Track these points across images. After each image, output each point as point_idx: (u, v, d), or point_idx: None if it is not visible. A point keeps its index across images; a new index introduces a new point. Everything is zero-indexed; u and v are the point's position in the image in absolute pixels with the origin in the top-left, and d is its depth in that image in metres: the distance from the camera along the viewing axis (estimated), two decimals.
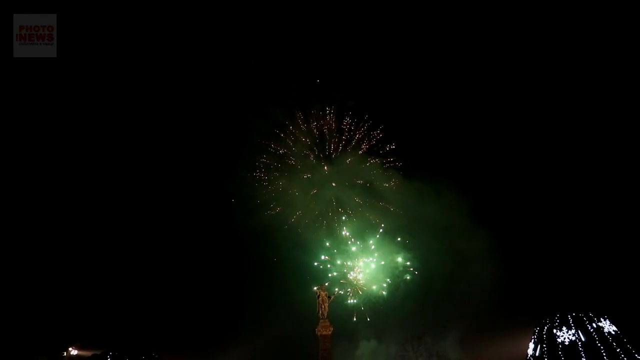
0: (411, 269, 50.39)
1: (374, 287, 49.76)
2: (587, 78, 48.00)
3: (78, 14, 41.59)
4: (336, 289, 47.90)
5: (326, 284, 46.52)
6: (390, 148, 55.46)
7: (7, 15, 34.74)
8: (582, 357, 38.27)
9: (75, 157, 46.98)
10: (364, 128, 55.64)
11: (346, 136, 55.77)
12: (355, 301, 49.59)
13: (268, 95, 54.54)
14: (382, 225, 51.88)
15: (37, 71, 40.91)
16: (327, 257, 50.33)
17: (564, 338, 39.53)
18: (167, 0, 47.46)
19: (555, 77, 50.40)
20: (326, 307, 44.91)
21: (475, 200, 50.74)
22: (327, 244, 51.56)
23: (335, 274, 49.92)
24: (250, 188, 54.29)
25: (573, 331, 39.65)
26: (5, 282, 42.11)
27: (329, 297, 45.60)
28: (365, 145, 55.67)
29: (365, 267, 49.89)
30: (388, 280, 49.98)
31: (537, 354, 40.33)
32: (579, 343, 38.97)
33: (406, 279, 50.40)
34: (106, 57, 46.11)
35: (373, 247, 50.16)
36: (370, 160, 55.56)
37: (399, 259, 50.24)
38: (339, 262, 49.93)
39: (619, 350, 38.29)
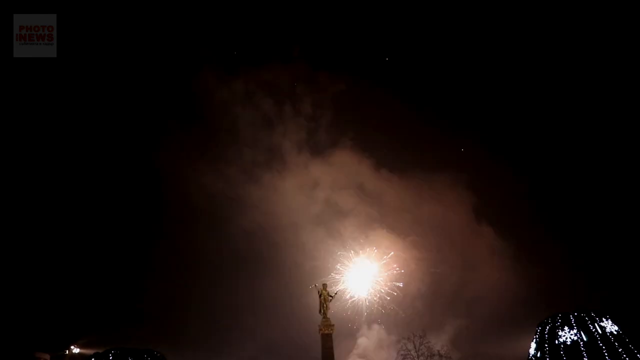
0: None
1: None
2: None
3: (78, 14, 41.34)
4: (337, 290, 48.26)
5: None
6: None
7: (7, 15, 34.73)
8: (584, 357, 38.00)
9: (75, 156, 47.21)
10: None
11: None
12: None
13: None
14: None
15: (37, 71, 40.64)
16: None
17: (566, 338, 39.28)
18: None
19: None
20: (328, 306, 45.32)
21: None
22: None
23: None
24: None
25: (575, 331, 39.40)
26: (8, 279, 42.32)
27: (331, 297, 46.00)
28: None
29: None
30: None
31: (538, 354, 40.08)
32: (581, 343, 38.71)
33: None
34: (106, 57, 46.35)
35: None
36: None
37: None
38: None
39: (621, 350, 38.06)
